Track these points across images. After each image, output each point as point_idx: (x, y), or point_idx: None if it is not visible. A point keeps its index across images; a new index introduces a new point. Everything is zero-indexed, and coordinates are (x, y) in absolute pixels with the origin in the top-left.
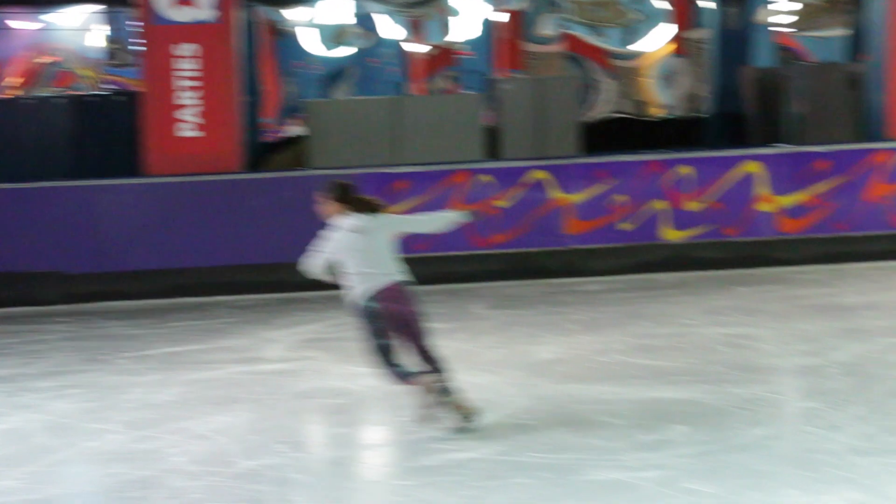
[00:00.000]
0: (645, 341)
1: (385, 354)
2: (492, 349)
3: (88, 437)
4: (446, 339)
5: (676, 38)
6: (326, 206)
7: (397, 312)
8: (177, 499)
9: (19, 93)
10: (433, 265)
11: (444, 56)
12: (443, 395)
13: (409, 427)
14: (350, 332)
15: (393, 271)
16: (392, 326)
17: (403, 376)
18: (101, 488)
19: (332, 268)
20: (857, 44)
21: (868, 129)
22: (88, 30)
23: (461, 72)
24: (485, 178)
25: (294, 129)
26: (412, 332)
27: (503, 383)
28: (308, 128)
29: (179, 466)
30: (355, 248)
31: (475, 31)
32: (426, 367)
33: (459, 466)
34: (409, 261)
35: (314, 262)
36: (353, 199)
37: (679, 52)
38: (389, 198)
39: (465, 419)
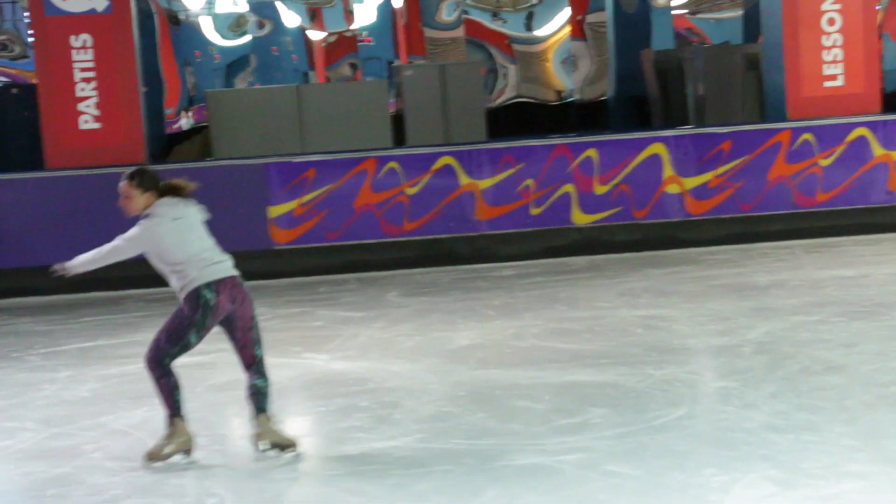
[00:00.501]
0: (561, 325)
1: (177, 356)
2: (409, 337)
3: (2, 436)
4: (363, 328)
5: (576, 22)
6: (134, 199)
7: (233, 314)
8: (97, 495)
9: None
10: (345, 254)
11: (346, 43)
12: (260, 420)
13: (329, 417)
14: (264, 324)
15: (227, 259)
16: (221, 327)
17: (171, 397)
18: (17, 487)
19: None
20: (753, 25)
21: (769, 109)
22: None
23: (363, 59)
24: (393, 166)
25: (197, 120)
26: (246, 338)
27: (421, 371)
28: (211, 118)
29: (98, 463)
30: (181, 235)
31: (374, 18)
32: (251, 379)
33: (382, 455)
34: (320, 250)
35: (101, 257)
36: (164, 185)
37: (579, 36)
38: (298, 187)
39: (281, 450)
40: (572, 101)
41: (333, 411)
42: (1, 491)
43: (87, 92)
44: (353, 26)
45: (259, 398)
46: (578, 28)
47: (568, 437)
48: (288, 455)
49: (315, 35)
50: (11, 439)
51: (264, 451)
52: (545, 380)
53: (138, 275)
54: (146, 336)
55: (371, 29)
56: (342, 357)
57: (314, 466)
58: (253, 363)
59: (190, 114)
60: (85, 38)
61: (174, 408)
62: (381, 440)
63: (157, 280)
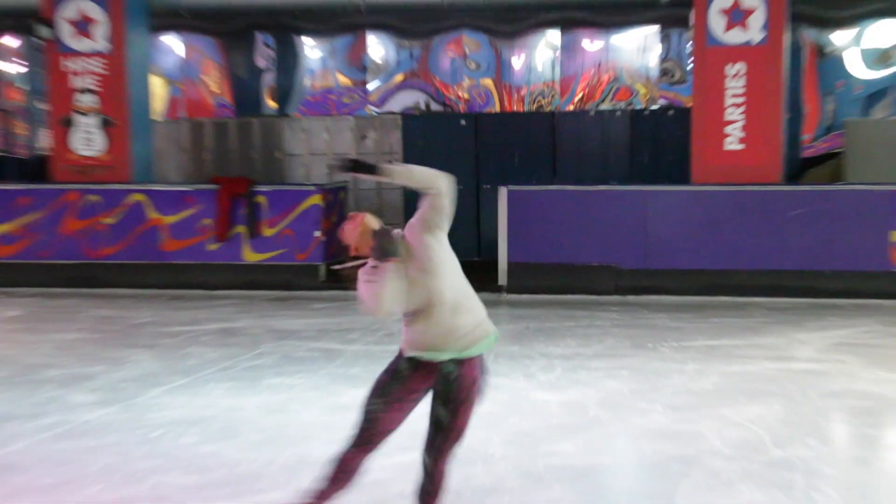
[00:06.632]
0: None
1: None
2: None
3: (635, 415)
4: None
5: None
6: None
7: None
8: (715, 478)
9: (584, 106)
10: None
11: None
12: None
13: None
14: (880, 339)
15: None
16: None
17: None
18: (647, 461)
19: None
20: None
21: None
22: (646, 49)
23: None
24: None
25: (832, 146)
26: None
27: None
28: (847, 145)
29: (717, 448)
30: None
31: None
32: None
33: None
34: None
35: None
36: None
37: None
38: None
39: None
40: None
41: None
42: (631, 462)
43: (734, 116)
44: None
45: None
46: None
47: None
48: None
49: None
50: (643, 418)
51: None
52: None
53: (762, 284)
54: (766, 340)
55: None
56: None
57: None
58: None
59: (836, 139)
60: (739, 67)
61: None
62: None
63: (779, 290)
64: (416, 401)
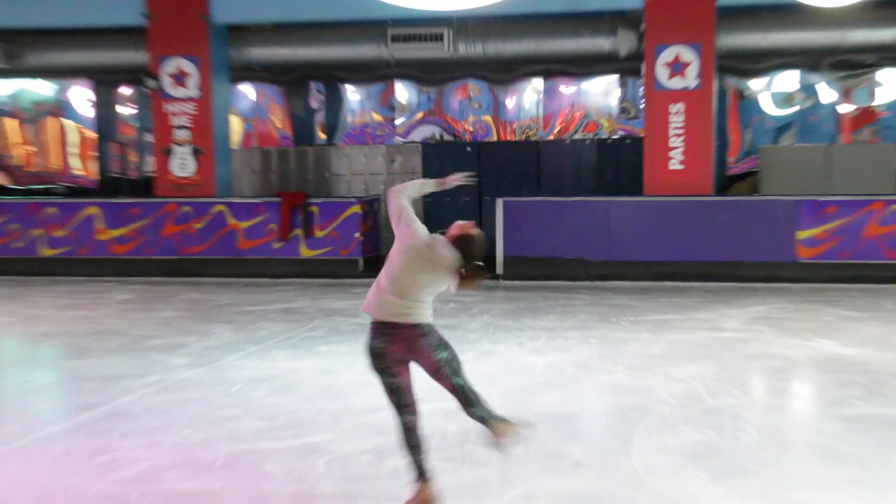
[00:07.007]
0: None
1: (392, 403)
2: None
3: (602, 374)
4: (862, 325)
5: None
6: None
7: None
8: (662, 422)
9: (562, 136)
10: (853, 270)
11: (867, 115)
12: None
13: (832, 386)
14: (788, 314)
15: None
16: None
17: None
18: (610, 409)
19: None
20: None
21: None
22: (608, 93)
23: (881, 127)
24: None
25: (751, 166)
26: (437, 377)
27: None
28: (762, 165)
29: (664, 399)
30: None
31: (894, 96)
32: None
33: (871, 418)
34: (835, 265)
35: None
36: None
37: None
38: (822, 218)
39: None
40: None
41: (835, 383)
42: (599, 410)
43: (676, 144)
44: (875, 103)
45: (483, 422)
46: None
47: None
48: (518, 433)
49: (844, 108)
50: (608, 377)
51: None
52: None
53: (699, 272)
54: (702, 315)
55: (891, 105)
56: (844, 344)
57: (815, 420)
58: (456, 392)
59: (753, 162)
60: (679, 106)
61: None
62: (872, 407)
63: (712, 277)
64: None
